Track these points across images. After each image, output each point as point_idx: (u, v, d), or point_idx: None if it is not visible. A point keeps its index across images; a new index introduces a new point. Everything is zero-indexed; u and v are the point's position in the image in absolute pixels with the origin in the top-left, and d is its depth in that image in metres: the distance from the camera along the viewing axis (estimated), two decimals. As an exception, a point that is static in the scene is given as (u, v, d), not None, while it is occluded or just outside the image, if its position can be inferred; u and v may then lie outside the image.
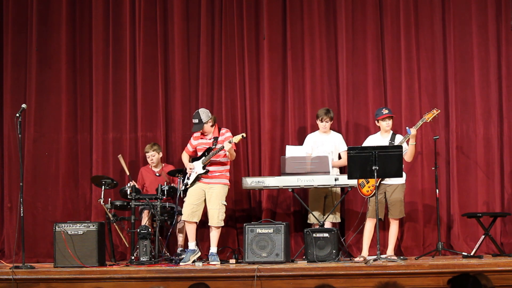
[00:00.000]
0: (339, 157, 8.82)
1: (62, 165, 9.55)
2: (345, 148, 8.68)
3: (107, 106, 9.58)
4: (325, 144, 8.78)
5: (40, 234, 9.36)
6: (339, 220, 8.79)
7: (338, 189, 8.68)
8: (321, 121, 8.79)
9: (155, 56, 9.57)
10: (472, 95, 9.19)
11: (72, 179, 9.56)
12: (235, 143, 8.25)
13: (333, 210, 8.56)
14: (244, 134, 8.34)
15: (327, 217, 8.53)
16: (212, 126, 8.38)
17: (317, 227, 8.41)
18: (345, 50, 9.33)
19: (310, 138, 8.91)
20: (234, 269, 7.47)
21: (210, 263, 8.09)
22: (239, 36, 9.50)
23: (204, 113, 8.34)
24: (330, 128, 8.86)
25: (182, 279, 7.21)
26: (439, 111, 8.35)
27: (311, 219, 8.68)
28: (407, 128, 8.15)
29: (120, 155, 9.12)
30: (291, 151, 8.89)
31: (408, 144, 8.14)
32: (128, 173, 8.93)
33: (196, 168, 8.32)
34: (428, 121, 8.26)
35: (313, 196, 8.71)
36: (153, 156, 9.01)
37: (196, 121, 8.33)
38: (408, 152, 8.17)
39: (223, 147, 8.16)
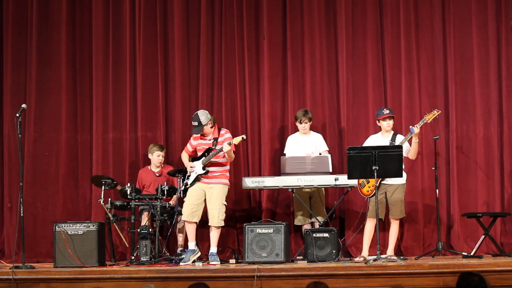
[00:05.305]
0: None
1: (62, 165, 9.55)
2: (326, 148, 8.83)
3: (107, 106, 9.58)
4: (306, 145, 8.80)
5: (40, 234, 9.36)
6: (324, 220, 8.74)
7: (322, 189, 8.67)
8: (300, 123, 8.81)
9: (155, 56, 9.57)
10: (472, 95, 9.20)
11: (72, 179, 9.56)
12: (234, 144, 8.24)
13: (333, 210, 8.57)
14: (245, 136, 8.30)
15: (313, 218, 8.57)
16: (211, 127, 8.37)
17: (310, 227, 8.46)
18: (345, 50, 9.33)
19: (291, 139, 8.94)
20: (234, 269, 7.47)
21: (210, 263, 8.09)
22: (239, 36, 9.50)
23: (203, 115, 8.30)
24: (311, 129, 8.88)
25: (182, 279, 7.22)
26: (440, 112, 8.35)
27: (296, 221, 8.72)
28: (410, 126, 8.16)
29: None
30: (291, 151, 8.88)
31: (410, 143, 8.15)
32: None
33: (196, 168, 8.32)
34: (428, 121, 8.27)
35: (297, 198, 8.66)
36: (163, 156, 9.01)
37: (195, 123, 8.29)
38: (411, 150, 8.18)
39: (222, 149, 8.15)
